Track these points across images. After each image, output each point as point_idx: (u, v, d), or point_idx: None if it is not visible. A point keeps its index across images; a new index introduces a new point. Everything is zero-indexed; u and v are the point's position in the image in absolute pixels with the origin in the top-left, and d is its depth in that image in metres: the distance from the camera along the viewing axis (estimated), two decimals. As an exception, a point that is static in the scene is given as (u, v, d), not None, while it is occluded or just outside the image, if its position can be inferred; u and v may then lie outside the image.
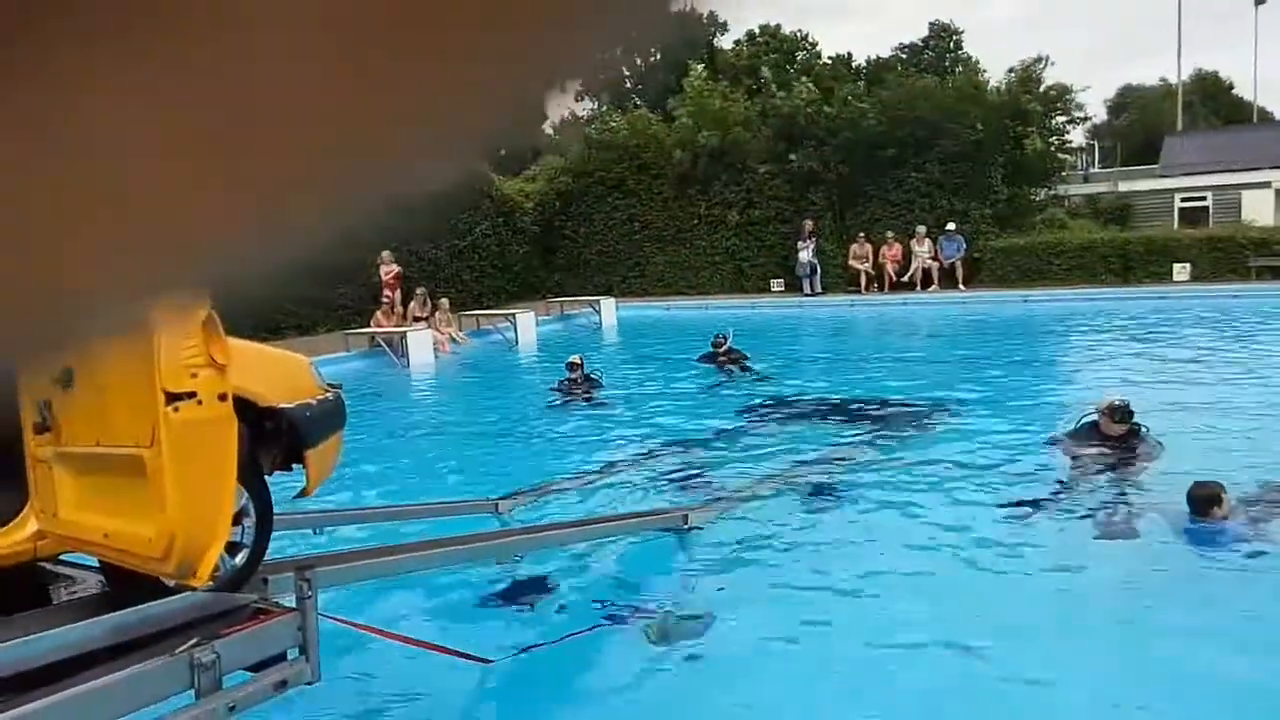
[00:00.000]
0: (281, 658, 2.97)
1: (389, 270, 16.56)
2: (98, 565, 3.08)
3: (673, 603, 4.50)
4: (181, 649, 2.63)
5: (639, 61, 42.64)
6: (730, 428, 8.60)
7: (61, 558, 3.19)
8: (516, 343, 16.10)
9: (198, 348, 2.32)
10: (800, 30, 38.13)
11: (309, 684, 3.00)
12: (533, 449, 8.40)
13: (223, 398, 2.36)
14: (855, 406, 9.15)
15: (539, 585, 4.89)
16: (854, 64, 27.69)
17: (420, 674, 3.76)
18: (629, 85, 41.39)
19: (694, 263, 22.72)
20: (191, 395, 2.30)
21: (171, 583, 2.80)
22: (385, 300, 15.90)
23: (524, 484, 6.57)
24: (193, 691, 2.66)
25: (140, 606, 2.72)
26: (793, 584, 4.68)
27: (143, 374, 2.29)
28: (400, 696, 3.69)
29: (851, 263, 20.33)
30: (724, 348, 11.98)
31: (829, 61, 27.63)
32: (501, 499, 5.98)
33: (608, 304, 19.18)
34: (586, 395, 10.32)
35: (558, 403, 10.15)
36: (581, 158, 23.88)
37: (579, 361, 10.68)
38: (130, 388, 2.34)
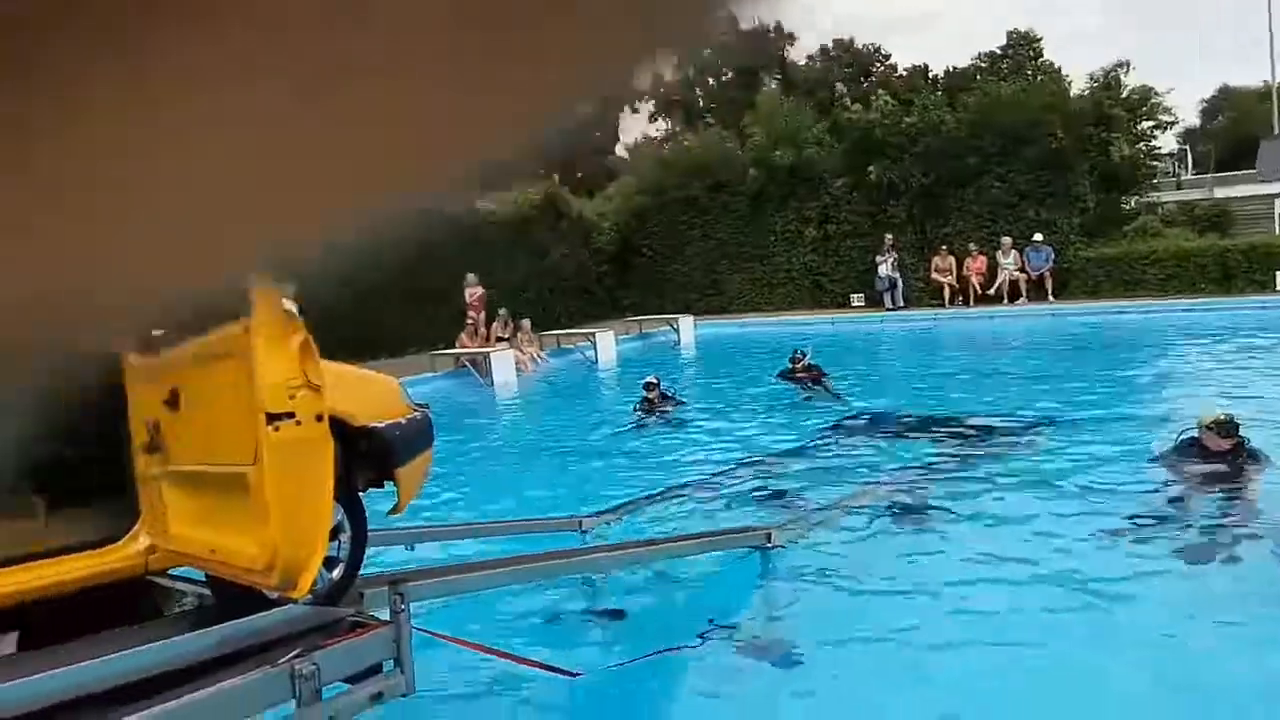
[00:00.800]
0: (377, 669, 3.04)
1: (474, 292, 16.88)
2: (204, 579, 3.21)
3: (760, 619, 4.46)
4: (284, 660, 2.72)
5: (710, 80, 42.82)
6: (811, 445, 8.50)
7: (170, 572, 3.34)
8: (597, 361, 16.23)
9: (295, 370, 2.42)
10: (872, 44, 37.80)
11: (404, 696, 3.06)
12: (615, 467, 8.44)
13: (319, 418, 2.46)
14: (941, 424, 8.94)
15: (626, 602, 4.91)
16: (931, 74, 27.26)
17: (509, 686, 3.81)
18: (701, 104, 41.56)
19: (771, 279, 22.60)
20: (290, 416, 2.39)
21: (272, 596, 2.91)
22: (469, 322, 16.21)
23: (607, 502, 6.61)
24: (294, 701, 2.75)
25: (245, 619, 2.82)
26: (879, 604, 4.60)
27: (244, 396, 2.40)
28: (489, 709, 3.74)
29: (934, 276, 19.92)
30: (802, 364, 11.86)
31: (905, 74, 27.26)
32: (586, 517, 6.03)
33: (685, 322, 19.21)
34: (665, 413, 10.33)
35: (638, 421, 10.19)
36: (656, 178, 24.03)
37: (655, 381, 10.70)
38: (233, 409, 2.45)
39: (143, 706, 2.44)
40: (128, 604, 3.06)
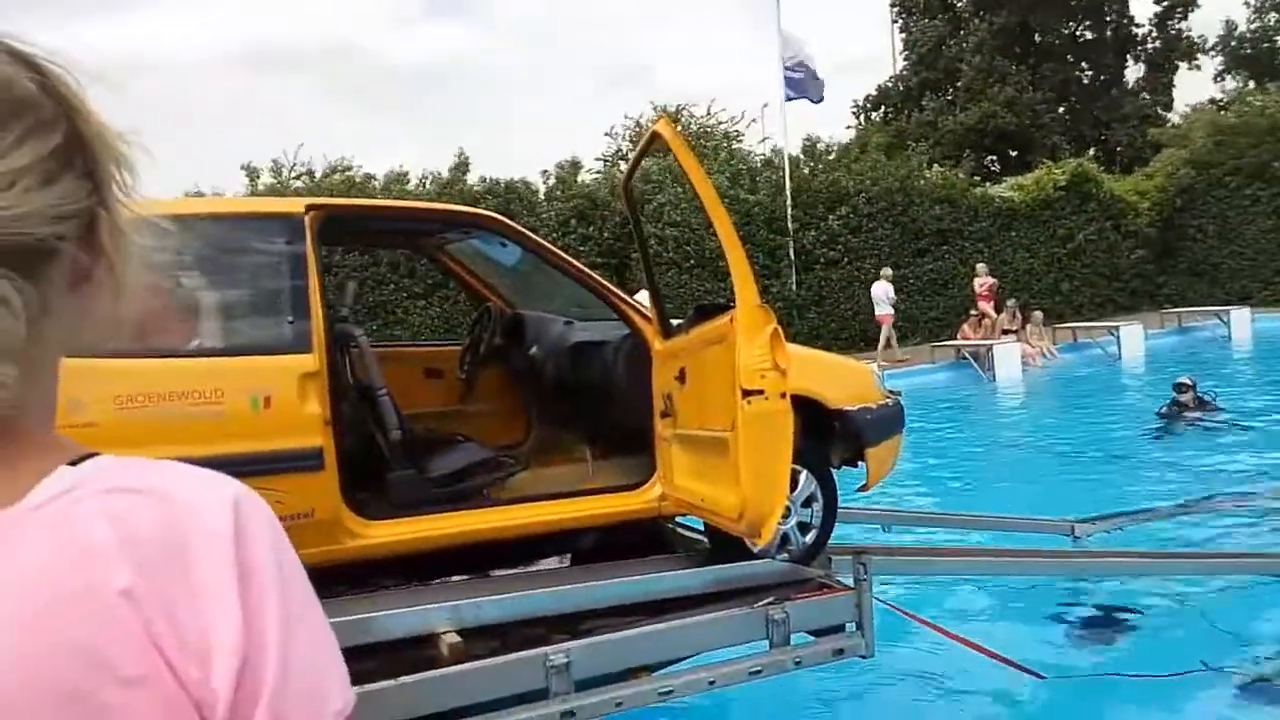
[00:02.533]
0: (840, 629, 3.36)
1: (983, 282, 16.34)
2: (703, 528, 3.82)
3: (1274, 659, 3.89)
4: (760, 604, 3.18)
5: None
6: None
7: (679, 520, 4.02)
8: (1119, 358, 14.69)
9: (766, 355, 2.84)
10: None
11: (863, 657, 3.34)
12: (1124, 473, 7.71)
13: (783, 396, 2.85)
14: None
15: (1121, 616, 4.60)
16: None
17: (965, 675, 3.87)
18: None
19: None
20: (760, 392, 2.82)
21: (754, 549, 3.39)
22: (975, 313, 15.75)
23: (1108, 509, 6.13)
24: (767, 641, 3.18)
25: (732, 565, 3.34)
26: None
27: (728, 374, 2.89)
28: (943, 691, 3.85)
29: None
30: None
31: None
32: (1080, 521, 5.69)
33: (1240, 314, 16.36)
34: (1198, 420, 9.08)
35: (1160, 426, 9.12)
36: (1209, 146, 20.69)
37: (1190, 382, 9.44)
38: (721, 385, 2.96)
39: (651, 622, 3.06)
40: (646, 540, 3.78)
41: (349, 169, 15.01)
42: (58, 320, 0.56)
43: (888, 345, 15.55)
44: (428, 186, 15.33)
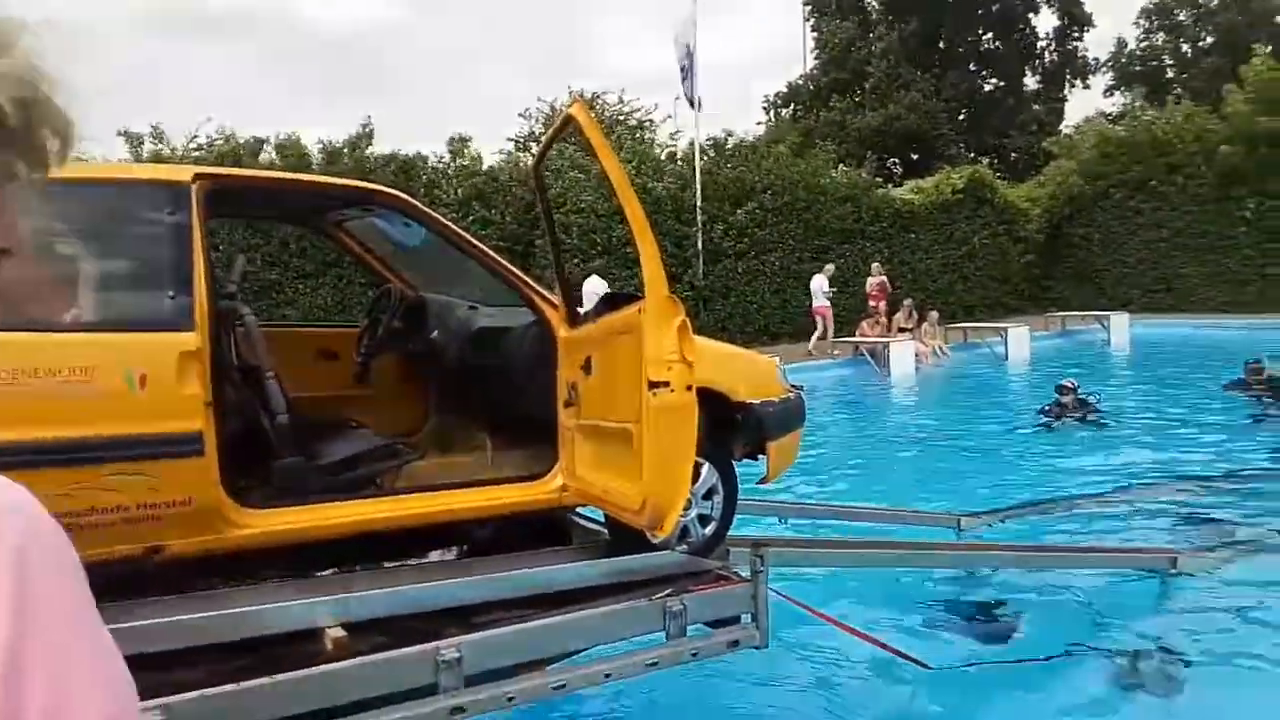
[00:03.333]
0: (735, 620, 3.38)
1: (875, 281, 16.82)
2: (603, 520, 3.79)
3: (1155, 646, 4.10)
4: (658, 596, 3.17)
5: (1185, 48, 37.52)
6: (1252, 470, 7.34)
7: (578, 511, 3.98)
8: (1006, 358, 15.32)
9: (674, 346, 2.83)
10: None
11: (757, 648, 3.37)
12: (1009, 470, 8.04)
13: (689, 388, 2.84)
14: None
15: (997, 607, 4.78)
16: None
17: (855, 664, 3.96)
18: (1169, 76, 36.59)
19: (1237, 275, 19.45)
20: (666, 384, 2.80)
21: (655, 541, 3.38)
22: (872, 310, 16.20)
23: (993, 504, 6.37)
24: (663, 633, 3.18)
25: (630, 557, 3.32)
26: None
27: (635, 365, 2.86)
28: (833, 679, 3.93)
29: None
30: (1264, 375, 10.19)
31: None
32: (965, 515, 5.89)
33: (1118, 320, 17.29)
34: (1078, 420, 9.54)
35: (1043, 425, 9.54)
36: (1096, 158, 21.77)
37: (1071, 385, 9.90)
38: (627, 375, 2.93)
39: (545, 615, 3.01)
40: (544, 531, 3.73)
41: (233, 135, 14.26)
42: None
43: (822, 337, 15.97)
44: (317, 156, 14.73)
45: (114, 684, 0.56)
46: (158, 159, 13.45)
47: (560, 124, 3.39)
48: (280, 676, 2.42)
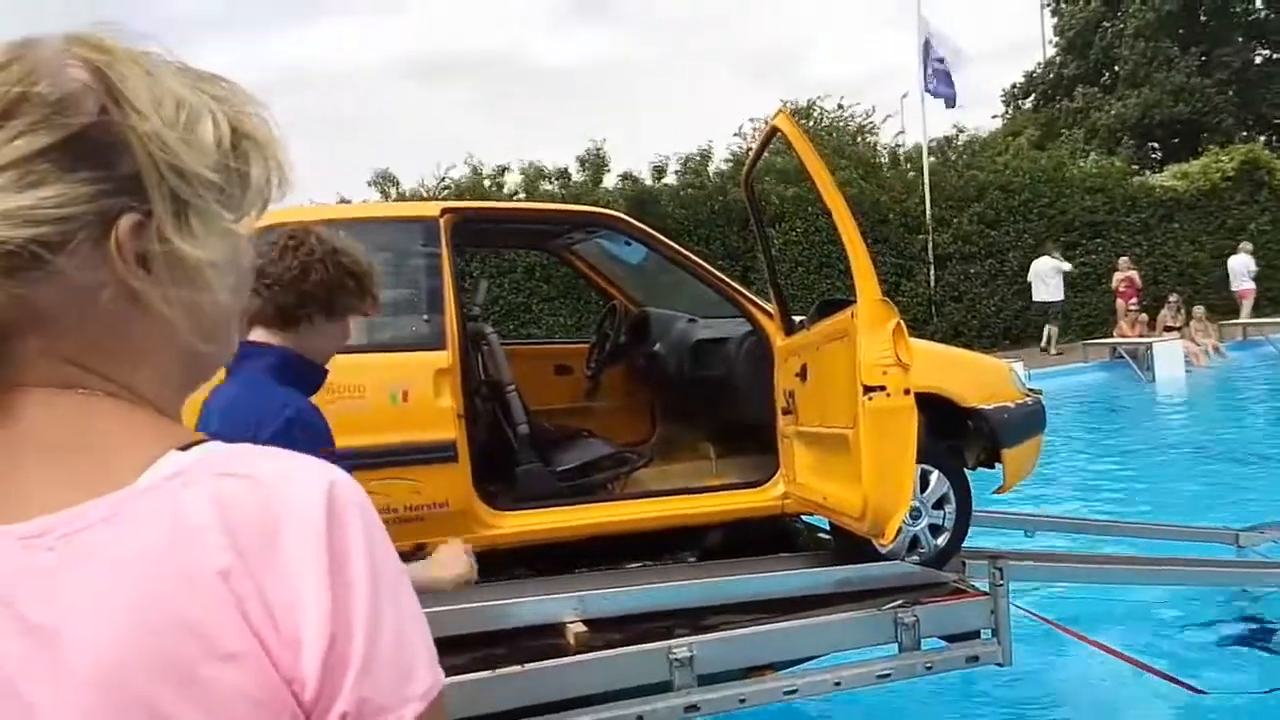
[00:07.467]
0: (974, 635, 3.24)
1: (1122, 275, 15.34)
2: (828, 527, 3.75)
3: None
4: (889, 606, 3.10)
5: None
6: None
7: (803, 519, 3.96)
8: (1294, 357, 13.50)
9: (888, 350, 2.78)
10: None
11: (999, 665, 3.20)
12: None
13: (906, 392, 2.78)
14: None
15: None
16: None
17: (1115, 688, 3.65)
18: None
19: None
20: (881, 389, 2.76)
21: (883, 550, 3.31)
22: (1131, 309, 14.78)
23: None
24: (896, 645, 3.10)
25: (861, 565, 3.27)
26: None
27: (850, 370, 2.84)
28: (1089, 704, 3.64)
29: None
30: None
31: None
32: (1245, 530, 5.26)
33: None
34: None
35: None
36: None
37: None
38: (842, 381, 2.91)
39: (774, 620, 3.03)
40: (770, 537, 3.75)
41: (479, 169, 15.15)
42: (125, 316, 0.58)
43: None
44: (553, 184, 15.34)
45: (434, 653, 0.61)
46: (402, 197, 14.68)
47: (766, 135, 3.44)
48: (526, 666, 2.61)
